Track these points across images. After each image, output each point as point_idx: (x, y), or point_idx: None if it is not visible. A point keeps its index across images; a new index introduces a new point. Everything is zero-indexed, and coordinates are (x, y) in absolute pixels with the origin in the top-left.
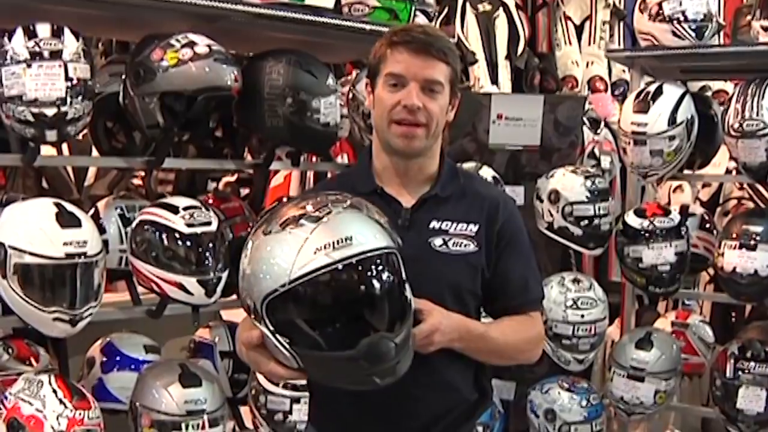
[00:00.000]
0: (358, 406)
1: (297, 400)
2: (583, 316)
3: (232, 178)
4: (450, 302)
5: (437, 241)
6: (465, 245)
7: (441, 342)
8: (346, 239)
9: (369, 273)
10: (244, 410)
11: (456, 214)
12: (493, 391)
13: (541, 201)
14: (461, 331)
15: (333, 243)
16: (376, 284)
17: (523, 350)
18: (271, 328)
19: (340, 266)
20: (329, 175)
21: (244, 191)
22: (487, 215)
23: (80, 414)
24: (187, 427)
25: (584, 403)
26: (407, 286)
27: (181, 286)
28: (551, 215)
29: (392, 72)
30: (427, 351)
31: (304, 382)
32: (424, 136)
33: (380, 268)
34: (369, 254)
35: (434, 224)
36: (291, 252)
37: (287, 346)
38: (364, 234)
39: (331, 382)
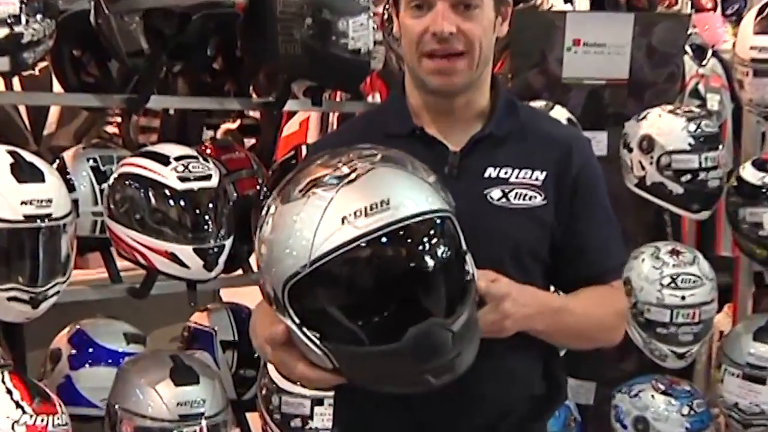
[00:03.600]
0: (397, 406)
1: (320, 402)
2: (683, 297)
3: (234, 125)
4: (510, 268)
5: (495, 193)
6: (530, 197)
7: (516, 320)
8: (382, 203)
9: (416, 245)
10: (252, 415)
11: (517, 159)
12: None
13: (630, 150)
14: (539, 304)
15: (365, 209)
16: (427, 259)
17: (608, 327)
18: (297, 320)
19: (376, 237)
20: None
21: (249, 142)
22: (558, 160)
23: (43, 420)
24: None
25: (686, 410)
26: (468, 258)
27: (173, 257)
28: (643, 168)
29: None
30: (503, 334)
31: None
32: (466, 67)
33: (431, 237)
34: (413, 220)
35: (490, 172)
36: (312, 224)
37: (317, 342)
38: (407, 195)
39: (376, 384)
